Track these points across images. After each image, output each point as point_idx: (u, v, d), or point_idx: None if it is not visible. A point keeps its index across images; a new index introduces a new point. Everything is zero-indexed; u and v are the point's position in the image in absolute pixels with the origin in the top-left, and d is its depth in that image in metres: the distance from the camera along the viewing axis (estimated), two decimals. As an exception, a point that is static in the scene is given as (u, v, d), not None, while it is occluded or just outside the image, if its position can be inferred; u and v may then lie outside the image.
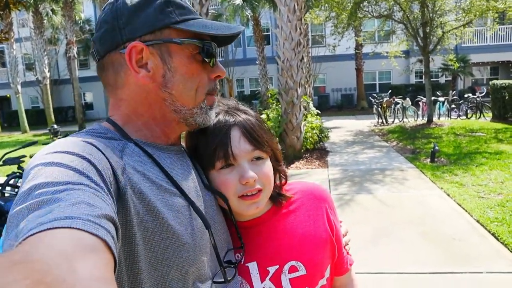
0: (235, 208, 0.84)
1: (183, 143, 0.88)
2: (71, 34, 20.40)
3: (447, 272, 3.32)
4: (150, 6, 0.71)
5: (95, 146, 0.64)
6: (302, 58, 9.01)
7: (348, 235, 1.07)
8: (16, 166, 4.50)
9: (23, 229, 0.44)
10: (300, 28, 8.57)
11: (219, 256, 0.75)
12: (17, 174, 4.24)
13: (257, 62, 19.94)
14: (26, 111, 23.40)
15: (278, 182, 0.94)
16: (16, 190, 4.54)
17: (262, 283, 0.86)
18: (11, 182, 4.28)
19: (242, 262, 0.86)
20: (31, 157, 3.33)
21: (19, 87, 21.76)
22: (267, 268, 0.87)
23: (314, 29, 22.92)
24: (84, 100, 28.11)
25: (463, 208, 4.87)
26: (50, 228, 0.43)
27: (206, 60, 0.75)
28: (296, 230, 0.91)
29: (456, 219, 4.56)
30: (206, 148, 0.83)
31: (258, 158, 0.85)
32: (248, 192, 0.82)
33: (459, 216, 4.64)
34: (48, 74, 21.24)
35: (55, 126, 7.81)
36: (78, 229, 0.44)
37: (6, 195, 4.13)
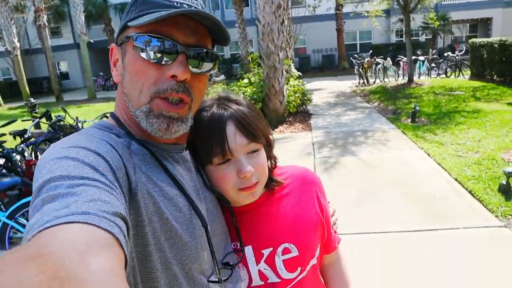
0: (232, 199, 0.87)
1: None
2: (39, 0, 19.33)
3: (428, 229, 3.50)
4: (127, 8, 0.74)
5: (110, 144, 0.64)
6: (283, 21, 8.84)
7: (336, 215, 1.11)
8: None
9: (38, 221, 0.45)
10: (280, -10, 8.34)
11: (214, 256, 0.76)
12: (-1, 153, 4.17)
13: (236, 25, 19.43)
14: (-2, 83, 22.52)
15: (269, 166, 0.95)
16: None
17: (257, 265, 0.89)
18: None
19: (239, 265, 0.88)
20: (10, 134, 3.26)
21: (-12, 58, 20.79)
22: (262, 251, 0.90)
23: (293, -12, 22.30)
24: (59, 69, 27.18)
25: (443, 167, 5.05)
26: (66, 222, 0.43)
27: (143, 56, 0.68)
28: (289, 214, 0.95)
29: (436, 178, 4.74)
30: (202, 145, 0.83)
31: (254, 151, 0.86)
32: (245, 185, 0.84)
33: (438, 175, 4.82)
34: (18, 44, 20.25)
35: (32, 100, 7.53)
36: (94, 225, 0.44)
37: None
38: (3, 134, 4.59)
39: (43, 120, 6.03)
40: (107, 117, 6.88)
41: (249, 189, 0.85)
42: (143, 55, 0.68)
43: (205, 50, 0.73)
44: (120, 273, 0.41)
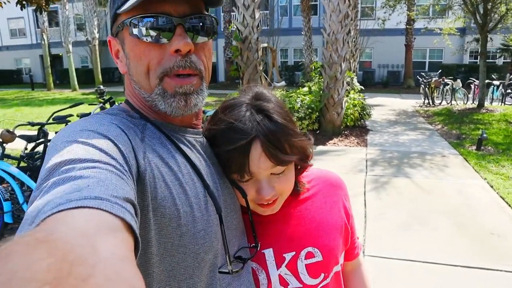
0: (250, 206, 0.82)
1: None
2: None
3: (481, 267, 3.22)
4: None
5: (119, 127, 0.64)
6: (349, 31, 8.69)
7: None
8: (64, 124, 4.75)
9: (49, 202, 0.44)
10: (349, 0, 8.20)
11: (226, 244, 0.73)
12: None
13: (302, 32, 19.41)
14: (76, 70, 24.43)
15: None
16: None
17: (278, 269, 0.85)
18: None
19: (258, 268, 0.85)
20: (77, 115, 3.49)
21: (70, 46, 22.65)
22: (283, 255, 0.86)
23: (364, 0, 21.87)
24: (130, 62, 28.83)
25: (506, 202, 4.63)
26: (79, 207, 0.43)
27: (141, 38, 0.67)
28: (313, 216, 0.91)
29: (498, 213, 4.36)
30: (221, 150, 0.77)
31: (280, 172, 0.80)
32: (265, 202, 0.80)
33: (501, 210, 4.43)
34: (97, 35, 21.89)
35: (101, 86, 8.03)
36: (106, 211, 0.44)
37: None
38: (71, 115, 4.94)
39: (107, 105, 6.41)
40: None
41: (268, 206, 0.81)
42: (141, 37, 0.67)
43: (201, 16, 0.70)
44: (131, 258, 0.41)
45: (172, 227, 0.64)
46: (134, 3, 0.64)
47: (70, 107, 4.87)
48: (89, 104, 6.52)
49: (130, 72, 0.72)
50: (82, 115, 5.69)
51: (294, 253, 0.86)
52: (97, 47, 21.96)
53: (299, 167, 0.88)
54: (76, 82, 22.91)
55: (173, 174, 0.66)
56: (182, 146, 0.72)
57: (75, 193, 0.45)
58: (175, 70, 0.67)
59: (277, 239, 0.87)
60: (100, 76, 22.15)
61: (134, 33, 0.67)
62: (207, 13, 0.72)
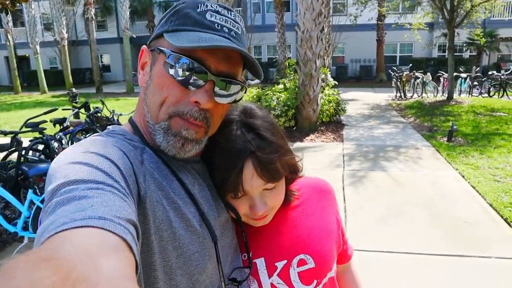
0: (242, 219, 0.84)
1: None
2: (89, -6, 20.19)
3: (456, 255, 3.36)
4: (166, 15, 0.73)
5: (121, 150, 0.65)
6: (323, 28, 8.79)
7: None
8: (38, 132, 4.63)
9: (53, 222, 0.45)
10: (322, -2, 8.30)
11: (221, 270, 0.75)
12: (39, 139, 4.36)
13: (276, 29, 19.48)
14: (45, 71, 23.64)
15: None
16: (37, 154, 4.68)
17: (269, 278, 0.85)
18: (34, 147, 4.41)
19: (247, 280, 0.85)
20: (51, 121, 3.43)
21: (38, 47, 21.91)
22: (275, 264, 0.86)
23: (336, -4, 22.16)
24: (102, 62, 28.17)
25: (477, 191, 4.84)
26: (82, 226, 0.44)
27: (172, 73, 0.67)
28: (304, 223, 0.92)
29: (469, 202, 4.56)
30: (215, 172, 0.79)
31: (271, 187, 0.82)
32: (257, 217, 0.83)
33: (472, 199, 4.63)
34: (66, 35, 21.24)
35: (74, 90, 7.85)
36: (109, 230, 0.45)
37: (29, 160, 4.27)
38: (45, 121, 4.81)
39: (82, 110, 6.27)
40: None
41: (260, 219, 0.83)
42: (172, 72, 0.67)
43: (233, 81, 0.71)
44: (132, 276, 0.42)
45: (170, 250, 0.65)
46: (188, 47, 0.64)
47: (45, 113, 4.74)
48: (63, 109, 6.35)
49: (146, 91, 0.73)
50: (55, 121, 5.56)
51: (285, 261, 0.86)
52: (66, 47, 21.32)
53: (289, 178, 0.90)
54: (45, 84, 22.18)
55: (170, 198, 0.68)
56: (178, 171, 0.72)
57: (79, 212, 0.46)
58: (187, 117, 0.69)
59: (269, 248, 0.88)
60: (70, 78, 21.49)
61: (168, 64, 0.68)
62: (240, 81, 0.73)
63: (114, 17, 27.06)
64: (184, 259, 0.67)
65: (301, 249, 0.88)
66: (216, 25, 0.69)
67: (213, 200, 0.78)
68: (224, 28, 0.70)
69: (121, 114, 6.59)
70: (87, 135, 5.57)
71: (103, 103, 6.52)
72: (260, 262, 0.86)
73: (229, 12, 0.72)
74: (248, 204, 0.80)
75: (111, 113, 6.38)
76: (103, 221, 0.46)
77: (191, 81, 0.67)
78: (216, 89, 0.69)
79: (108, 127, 0.77)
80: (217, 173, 0.79)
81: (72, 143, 5.36)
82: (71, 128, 5.55)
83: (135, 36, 21.45)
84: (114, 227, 0.46)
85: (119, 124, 5.76)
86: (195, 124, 0.70)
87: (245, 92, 0.77)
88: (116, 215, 0.48)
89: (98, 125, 5.48)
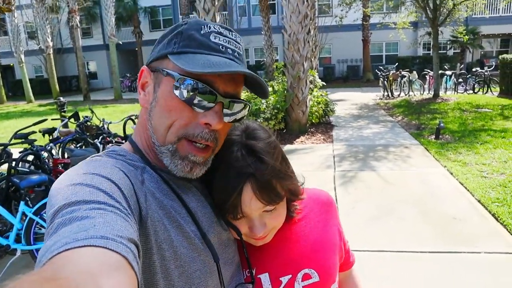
0: (243, 238, 0.84)
1: None
2: (73, 2, 20.01)
3: (446, 251, 3.44)
4: (167, 37, 0.73)
5: (122, 170, 0.65)
6: (309, 30, 8.88)
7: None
8: (27, 144, 4.60)
9: (56, 243, 0.45)
10: (307, 1, 8.39)
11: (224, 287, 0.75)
12: (29, 150, 4.34)
13: (262, 32, 19.55)
14: (30, 80, 23.34)
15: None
16: (27, 165, 4.65)
17: None
18: (24, 158, 4.39)
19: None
20: (40, 132, 3.41)
21: (22, 56, 21.64)
22: (280, 279, 0.86)
23: (321, -2, 22.35)
24: (88, 69, 27.94)
25: (465, 188, 4.95)
26: (84, 246, 0.44)
27: (180, 97, 0.68)
28: (307, 237, 0.91)
29: (458, 198, 4.65)
30: (214, 192, 0.79)
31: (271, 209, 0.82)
32: (257, 237, 0.83)
33: (461, 196, 4.73)
34: (51, 43, 21.01)
35: (62, 98, 7.78)
36: (111, 249, 0.45)
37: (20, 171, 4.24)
38: (34, 132, 4.78)
39: (72, 120, 6.24)
40: (132, 119, 7.06)
41: (260, 239, 0.83)
42: (181, 95, 0.68)
43: (241, 101, 0.74)
44: None
45: (172, 269, 0.66)
46: (199, 72, 0.65)
47: (34, 124, 4.71)
48: (52, 119, 6.30)
49: (151, 113, 0.73)
50: (44, 131, 5.53)
51: (290, 276, 0.86)
52: (51, 55, 21.09)
53: (291, 200, 0.90)
54: (31, 93, 21.90)
55: (171, 217, 0.68)
56: (179, 191, 0.73)
57: (81, 232, 0.47)
58: (197, 139, 0.70)
59: (273, 263, 0.87)
60: (57, 86, 21.24)
61: (177, 88, 0.68)
62: (246, 101, 0.76)
63: (100, 24, 26.88)
64: (186, 277, 0.68)
65: (306, 264, 0.88)
66: (220, 47, 0.71)
67: (214, 217, 0.79)
68: (228, 49, 0.71)
69: (110, 122, 6.57)
70: (77, 145, 5.55)
71: (92, 112, 6.49)
72: (265, 277, 0.86)
73: (231, 33, 0.74)
74: (247, 225, 0.81)
75: (101, 121, 6.36)
76: (105, 240, 0.46)
77: (201, 103, 0.68)
78: (224, 109, 0.71)
79: (107, 146, 0.78)
80: (217, 195, 0.79)
81: (63, 153, 5.34)
82: (61, 138, 5.52)
83: (121, 43, 21.35)
84: (116, 246, 0.46)
85: (109, 132, 5.80)
86: (203, 149, 0.71)
87: (248, 110, 0.78)
88: (118, 234, 0.49)
89: (88, 134, 5.46)
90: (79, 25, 20.68)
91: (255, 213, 0.79)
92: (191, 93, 0.67)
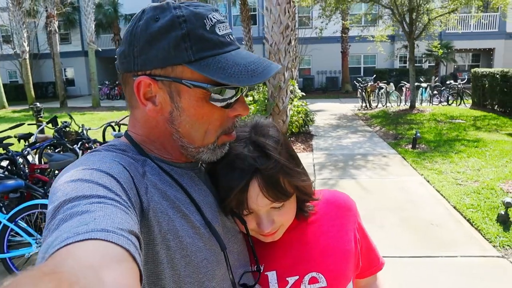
0: (251, 233, 0.83)
1: None
2: (52, 7, 19.67)
3: (424, 256, 3.52)
4: (165, 39, 0.66)
5: (121, 164, 0.65)
6: (290, 41, 9.00)
7: None
8: (2, 148, 4.47)
9: (57, 238, 0.45)
10: (289, 11, 8.52)
11: (233, 278, 0.75)
12: (4, 155, 4.21)
13: (243, 42, 19.72)
14: (4, 85, 22.64)
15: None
16: (1, 171, 4.51)
17: None
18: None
19: (256, 284, 0.83)
20: (15, 136, 3.33)
21: (-4, 61, 21.02)
22: (287, 279, 0.85)
23: (301, 10, 22.70)
24: (65, 76, 27.39)
25: (442, 195, 5.09)
26: (86, 239, 0.44)
27: (215, 104, 0.69)
28: (318, 240, 0.89)
29: (435, 205, 4.78)
30: (220, 185, 0.79)
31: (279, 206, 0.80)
32: (265, 233, 0.82)
33: (437, 202, 4.86)
34: (27, 48, 20.52)
35: (38, 104, 7.61)
36: (112, 242, 0.45)
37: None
38: (9, 137, 4.65)
39: (49, 125, 6.10)
40: (111, 126, 6.96)
41: (269, 235, 0.82)
42: (217, 103, 0.70)
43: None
44: (135, 285, 0.42)
45: (177, 259, 0.66)
46: (241, 84, 0.66)
47: (11, 128, 4.59)
48: (28, 124, 6.14)
49: (175, 121, 0.71)
50: (20, 137, 5.39)
51: (297, 277, 0.85)
52: (27, 60, 20.56)
53: (302, 199, 0.88)
54: (4, 99, 21.22)
55: (175, 207, 0.69)
56: (181, 179, 0.73)
57: (82, 226, 0.47)
58: (231, 130, 0.76)
59: (281, 262, 0.86)
60: (32, 92, 20.66)
61: (212, 97, 0.69)
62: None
63: (79, 30, 26.46)
64: (193, 267, 0.68)
65: (313, 267, 0.86)
66: (227, 37, 0.70)
67: (217, 206, 0.79)
68: (230, 36, 0.71)
69: (90, 128, 6.46)
70: (55, 150, 5.42)
71: (71, 118, 6.36)
72: (272, 275, 0.85)
73: (219, 13, 0.72)
74: (254, 221, 0.80)
75: (79, 127, 6.24)
76: (106, 233, 0.46)
77: (230, 101, 0.72)
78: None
79: (107, 141, 0.77)
80: (222, 190, 0.78)
81: (40, 158, 5.20)
82: (38, 143, 5.38)
83: (100, 50, 21.06)
84: (117, 238, 0.46)
85: (89, 138, 5.70)
86: (232, 134, 0.77)
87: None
88: (119, 227, 0.48)
89: (67, 140, 5.35)
90: (57, 30, 20.30)
91: (262, 209, 0.79)
92: (225, 98, 0.70)
